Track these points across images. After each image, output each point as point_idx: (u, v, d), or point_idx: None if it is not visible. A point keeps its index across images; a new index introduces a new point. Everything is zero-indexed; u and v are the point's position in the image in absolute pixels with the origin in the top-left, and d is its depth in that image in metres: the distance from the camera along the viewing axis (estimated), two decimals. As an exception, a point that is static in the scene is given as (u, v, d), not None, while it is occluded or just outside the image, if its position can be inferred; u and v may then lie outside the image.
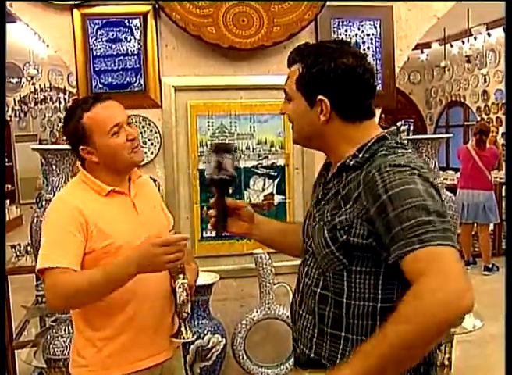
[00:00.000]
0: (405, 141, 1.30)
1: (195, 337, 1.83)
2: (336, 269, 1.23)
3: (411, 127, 3.38)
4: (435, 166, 2.73)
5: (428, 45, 9.32)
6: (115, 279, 1.59)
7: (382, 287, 1.20)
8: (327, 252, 1.24)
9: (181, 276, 1.69)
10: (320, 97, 1.26)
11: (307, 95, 1.28)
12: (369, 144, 1.25)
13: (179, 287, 1.69)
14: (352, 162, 1.25)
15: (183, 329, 1.72)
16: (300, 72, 1.28)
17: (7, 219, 9.48)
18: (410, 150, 1.26)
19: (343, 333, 1.24)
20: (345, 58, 1.25)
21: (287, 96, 1.34)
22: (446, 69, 10.36)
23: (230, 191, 1.55)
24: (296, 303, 1.38)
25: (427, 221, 1.08)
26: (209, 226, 1.58)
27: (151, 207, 1.81)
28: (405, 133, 3.42)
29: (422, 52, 9.72)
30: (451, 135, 3.04)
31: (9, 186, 10.33)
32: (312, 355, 1.30)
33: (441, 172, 7.07)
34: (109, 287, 1.60)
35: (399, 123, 4.31)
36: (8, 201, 9.92)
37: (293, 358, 1.50)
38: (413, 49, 3.00)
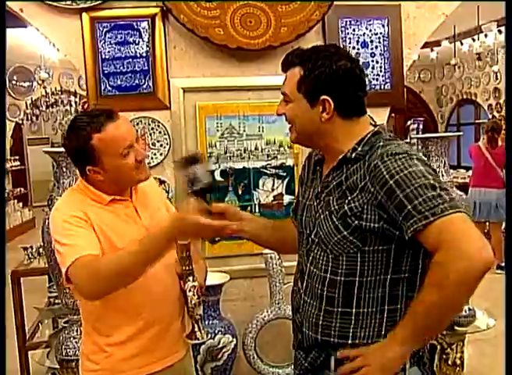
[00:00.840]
0: (394, 135, 1.44)
1: (209, 337, 1.84)
2: (350, 252, 1.33)
3: (421, 126, 3.36)
4: (445, 164, 2.71)
5: (438, 43, 9.26)
6: (149, 249, 1.53)
7: (393, 261, 1.32)
8: (339, 238, 1.34)
9: (191, 278, 1.70)
10: (323, 97, 1.36)
11: (309, 96, 1.38)
12: (366, 138, 1.38)
13: (190, 290, 1.70)
14: (353, 155, 1.37)
15: (196, 330, 1.72)
16: (302, 75, 1.38)
17: (20, 221, 9.59)
18: (401, 142, 1.39)
19: (353, 310, 1.35)
20: (343, 61, 1.37)
21: (286, 97, 1.43)
22: (457, 66, 10.29)
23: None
24: (298, 291, 1.48)
25: (436, 195, 1.21)
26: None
27: (154, 210, 1.79)
28: (415, 132, 3.41)
29: (432, 50, 9.65)
30: (461, 133, 3.02)
31: (22, 189, 10.40)
32: (320, 338, 1.39)
33: (452, 170, 7.03)
34: (143, 262, 1.54)
35: (408, 122, 4.29)
36: (21, 204, 10.02)
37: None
38: (423, 47, 2.99)
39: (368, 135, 1.39)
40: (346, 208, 1.33)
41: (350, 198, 1.33)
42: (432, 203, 1.21)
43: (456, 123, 12.22)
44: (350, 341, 1.36)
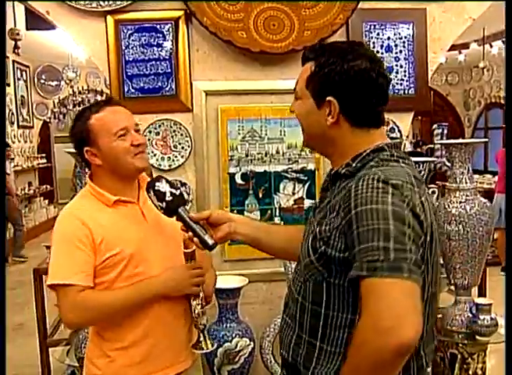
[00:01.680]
0: (403, 154, 1.26)
1: (215, 346, 1.84)
2: (316, 280, 1.21)
3: (445, 131, 3.32)
4: (468, 171, 2.67)
5: (466, 46, 9.14)
6: (145, 299, 1.65)
7: (359, 301, 1.14)
8: (307, 262, 1.23)
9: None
10: (329, 98, 1.23)
11: (315, 95, 1.26)
12: (364, 154, 1.23)
13: (193, 299, 1.71)
14: (343, 171, 1.24)
15: (202, 339, 1.72)
16: (312, 70, 1.26)
17: (45, 218, 9.74)
18: (403, 164, 1.22)
19: (318, 343, 1.23)
20: (359, 61, 1.22)
21: (296, 94, 1.32)
22: (485, 69, 10.14)
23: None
24: (284, 307, 1.39)
25: (382, 248, 1.05)
26: (199, 248, 1.55)
27: (160, 215, 1.77)
28: (439, 137, 3.36)
29: (460, 53, 9.53)
30: (486, 140, 2.97)
31: (48, 186, 10.57)
32: (290, 360, 1.31)
33: (478, 175, 6.94)
34: (136, 307, 1.65)
35: (433, 127, 4.24)
36: (46, 201, 10.18)
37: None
38: (450, 50, 2.95)
39: (368, 150, 1.24)
40: (317, 229, 1.21)
41: (326, 219, 1.21)
42: (373, 256, 1.05)
43: (484, 126, 12.03)
44: (310, 372, 1.25)
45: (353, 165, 1.22)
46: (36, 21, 4.12)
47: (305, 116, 1.30)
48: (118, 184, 1.72)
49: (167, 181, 1.57)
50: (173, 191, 1.54)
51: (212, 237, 1.50)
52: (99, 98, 10.35)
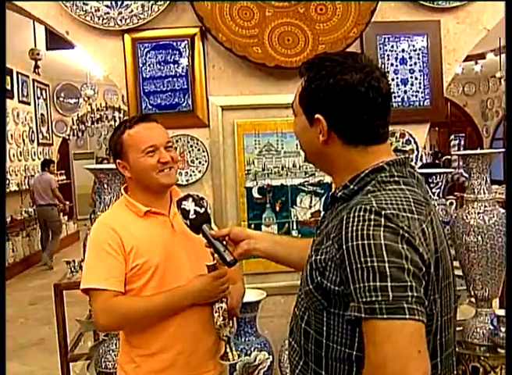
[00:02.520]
0: (406, 173, 1.16)
1: (241, 357, 1.86)
2: (317, 309, 1.14)
3: (462, 142, 3.30)
4: (486, 181, 2.65)
5: (482, 56, 9.11)
6: (172, 307, 1.71)
7: (359, 335, 1.06)
8: (307, 290, 1.15)
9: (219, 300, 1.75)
10: (317, 115, 1.16)
11: (306, 112, 1.19)
12: (362, 175, 1.14)
13: (216, 311, 1.74)
14: (340, 193, 1.17)
15: (228, 351, 1.74)
16: (302, 86, 1.19)
17: (65, 234, 9.83)
18: (403, 185, 1.12)
19: (323, 372, 1.16)
20: (347, 74, 1.12)
21: (293, 110, 1.26)
22: (503, 79, 10.08)
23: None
24: (289, 330, 1.30)
25: (378, 288, 0.97)
26: (218, 264, 1.63)
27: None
28: (456, 148, 3.34)
29: (477, 63, 9.50)
30: (503, 150, 2.95)
31: (68, 202, 10.69)
32: None
33: (497, 186, 6.86)
34: (163, 315, 1.71)
35: (451, 138, 4.23)
36: (66, 217, 10.28)
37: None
38: (466, 60, 2.95)
39: (366, 171, 1.14)
40: (313, 258, 1.14)
41: (323, 247, 1.13)
42: (371, 297, 0.97)
43: (503, 137, 11.92)
44: None
45: (351, 187, 1.16)
46: (56, 41, 4.21)
47: (300, 133, 1.25)
48: (149, 196, 1.79)
49: (193, 199, 1.62)
50: (198, 209, 1.60)
51: (231, 253, 1.52)
52: (117, 114, 10.51)
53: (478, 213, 2.60)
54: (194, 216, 1.59)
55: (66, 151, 11.94)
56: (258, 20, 2.56)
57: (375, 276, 0.98)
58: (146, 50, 2.60)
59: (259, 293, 2.55)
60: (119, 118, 10.47)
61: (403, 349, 0.95)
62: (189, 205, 1.60)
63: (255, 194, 2.69)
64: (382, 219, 1.02)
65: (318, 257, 1.13)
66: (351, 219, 1.04)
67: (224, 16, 2.53)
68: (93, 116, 10.21)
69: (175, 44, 2.62)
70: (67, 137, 10.97)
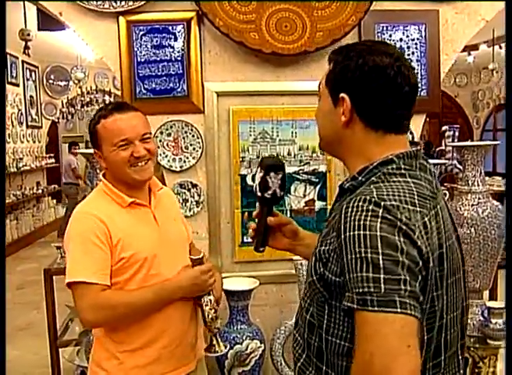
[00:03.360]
0: (413, 165, 1.14)
1: (227, 348, 1.87)
2: (319, 301, 1.14)
3: (457, 133, 3.30)
4: (480, 173, 2.65)
5: (475, 47, 9.10)
6: (161, 302, 1.67)
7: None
8: (311, 281, 1.16)
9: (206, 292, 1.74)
10: (342, 94, 1.15)
11: (331, 92, 1.19)
12: (371, 167, 1.14)
13: (206, 304, 1.73)
14: (348, 185, 1.17)
15: (215, 343, 1.74)
16: (330, 68, 1.20)
17: (53, 218, 9.77)
18: (409, 178, 1.10)
19: (324, 367, 1.16)
20: (377, 56, 1.12)
21: (318, 94, 1.26)
22: (495, 71, 10.09)
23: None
24: (294, 322, 1.31)
25: (371, 279, 0.96)
26: (250, 238, 1.53)
27: (171, 219, 1.82)
28: (450, 139, 3.34)
29: (469, 54, 9.49)
30: (498, 142, 2.95)
31: (56, 186, 10.61)
32: None
33: (487, 178, 6.90)
34: (151, 309, 1.67)
35: (443, 128, 4.22)
36: (54, 201, 10.21)
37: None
38: (460, 51, 2.93)
39: (375, 163, 1.13)
40: (318, 249, 1.14)
41: (328, 237, 1.12)
42: (363, 288, 0.97)
43: (493, 128, 11.97)
44: None
45: (359, 179, 1.15)
46: (47, 22, 4.13)
47: (322, 116, 1.24)
48: (127, 188, 1.72)
49: (281, 179, 1.43)
50: (278, 191, 1.43)
51: (265, 244, 1.48)
52: (107, 98, 10.41)
53: (472, 205, 2.60)
54: (269, 196, 1.42)
55: (55, 134, 11.80)
56: (256, 5, 2.53)
57: (368, 267, 0.97)
58: (141, 33, 2.56)
59: (252, 281, 2.55)
60: (109, 101, 10.38)
61: (392, 343, 0.94)
62: (274, 182, 1.42)
63: (249, 182, 2.66)
64: (381, 210, 1.01)
65: (322, 248, 1.13)
66: (350, 209, 1.04)
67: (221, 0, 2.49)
68: (83, 99, 10.09)
69: (171, 27, 2.57)
70: (56, 120, 10.83)
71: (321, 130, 1.26)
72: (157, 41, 2.58)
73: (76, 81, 9.08)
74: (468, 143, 2.74)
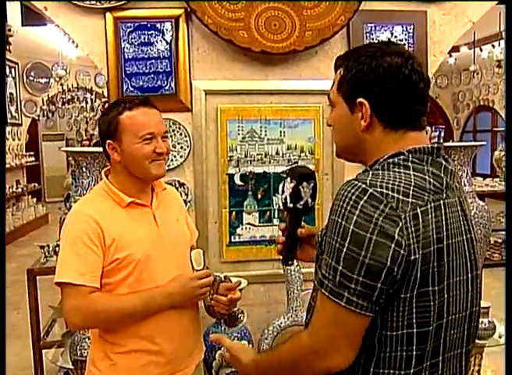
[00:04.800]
0: (424, 159, 1.13)
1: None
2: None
3: (442, 134, 3.31)
4: (467, 174, 2.67)
5: (456, 49, 9.19)
6: (149, 309, 1.62)
7: None
8: (315, 269, 1.19)
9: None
10: (360, 99, 1.15)
11: (347, 99, 1.18)
12: (381, 160, 1.15)
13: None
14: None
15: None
16: (341, 74, 1.19)
17: (33, 217, 9.63)
18: (411, 171, 1.10)
19: None
20: (388, 57, 1.13)
21: (330, 103, 1.25)
22: (475, 73, 10.21)
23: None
24: (304, 324, 1.31)
25: (331, 266, 1.05)
26: (277, 252, 1.47)
27: (173, 220, 1.79)
28: (435, 140, 3.35)
29: (450, 56, 9.59)
30: (484, 143, 2.97)
31: (36, 184, 10.47)
32: None
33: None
34: (140, 316, 1.63)
35: (427, 128, 4.24)
36: (34, 200, 10.07)
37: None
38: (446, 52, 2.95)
39: (385, 156, 1.14)
40: (318, 234, 1.19)
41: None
42: (325, 271, 1.06)
43: (473, 129, 12.13)
44: None
45: (369, 171, 1.15)
46: (31, 17, 4.06)
47: (339, 124, 1.23)
48: (132, 185, 1.69)
49: (313, 188, 1.38)
50: (310, 201, 1.37)
51: (295, 257, 1.46)
52: (89, 96, 10.30)
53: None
54: (301, 207, 1.36)
55: (36, 132, 11.65)
56: (245, 4, 2.51)
57: (333, 256, 1.06)
58: (128, 30, 2.52)
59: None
60: (91, 99, 10.28)
61: (333, 330, 1.06)
62: (306, 193, 1.36)
63: (237, 181, 2.65)
64: (364, 199, 1.04)
65: (321, 232, 1.19)
66: (340, 193, 1.08)
67: (210, -3, 2.47)
68: (64, 96, 9.97)
69: (159, 25, 2.54)
70: (37, 118, 10.69)
71: (339, 137, 1.25)
72: (144, 38, 2.54)
73: (58, 78, 8.95)
74: (455, 144, 2.76)
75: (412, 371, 1.08)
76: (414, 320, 1.06)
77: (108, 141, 1.67)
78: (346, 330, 1.06)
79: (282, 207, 1.43)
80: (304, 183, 1.36)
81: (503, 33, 8.12)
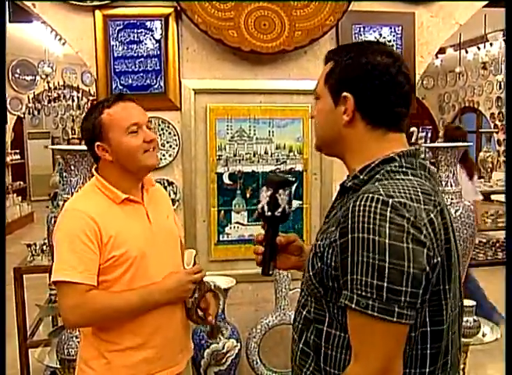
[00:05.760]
0: (416, 163, 1.15)
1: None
2: (317, 296, 1.16)
3: (429, 134, 3.36)
4: (454, 174, 2.70)
5: (442, 51, 9.27)
6: (147, 305, 1.65)
7: None
8: (307, 277, 1.17)
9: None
10: (345, 93, 1.15)
11: (333, 92, 1.19)
12: (373, 165, 1.14)
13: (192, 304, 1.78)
14: (350, 184, 1.17)
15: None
16: (331, 67, 1.21)
17: (18, 216, 9.54)
18: (411, 176, 1.12)
19: (321, 364, 1.16)
20: (378, 56, 1.15)
21: (315, 95, 1.25)
22: (461, 74, 10.30)
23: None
24: (293, 319, 1.31)
25: (374, 285, 1.00)
26: (256, 264, 1.42)
27: (163, 217, 1.80)
28: (422, 140, 3.39)
29: (437, 57, 9.67)
30: (471, 144, 3.01)
31: (21, 183, 10.37)
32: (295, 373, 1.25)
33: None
34: (137, 313, 1.65)
35: (412, 129, 4.28)
36: (19, 198, 9.98)
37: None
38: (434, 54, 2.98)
39: (377, 161, 1.14)
40: (316, 244, 1.15)
41: (327, 232, 1.14)
42: (366, 292, 1.00)
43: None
44: None
45: (361, 177, 1.15)
46: (17, 14, 4.02)
47: (322, 116, 1.23)
48: (126, 182, 1.70)
49: (289, 194, 1.36)
50: (287, 207, 1.35)
51: (275, 267, 1.41)
52: (75, 94, 10.22)
53: (445, 205, 2.65)
54: (279, 214, 1.34)
55: (21, 130, 11.54)
56: (235, 3, 2.51)
57: (374, 274, 1.00)
58: (118, 28, 2.52)
59: (228, 280, 2.54)
60: (77, 97, 10.19)
61: (388, 349, 1.02)
62: (283, 199, 1.34)
63: (226, 180, 2.65)
64: (388, 210, 1.02)
65: (320, 242, 1.14)
66: (357, 208, 1.04)
67: (200, -4, 2.47)
68: (50, 94, 9.88)
69: (148, 23, 2.54)
70: (22, 116, 10.59)
71: (321, 130, 1.25)
72: (134, 37, 2.54)
73: (44, 76, 8.87)
74: (442, 144, 2.79)
75: (428, 370, 1.10)
76: (428, 319, 1.08)
77: (97, 143, 1.67)
78: (399, 345, 1.04)
79: (259, 216, 1.40)
80: (281, 191, 1.34)
81: (488, 36, 8.24)
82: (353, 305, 1.01)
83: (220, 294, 1.95)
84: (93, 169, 1.78)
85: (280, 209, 1.34)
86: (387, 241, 1.00)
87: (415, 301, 1.02)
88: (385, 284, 0.99)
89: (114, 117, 1.65)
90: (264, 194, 1.36)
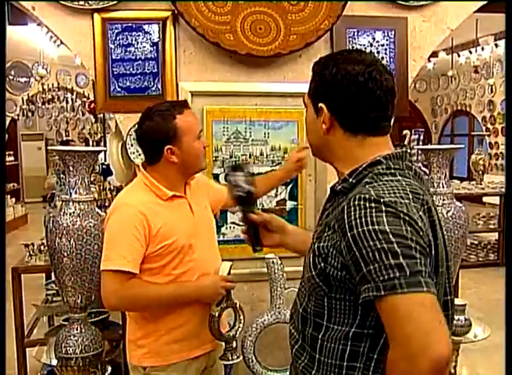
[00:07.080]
0: (403, 165, 1.20)
1: (240, 359, 2.15)
2: (318, 294, 1.20)
3: (422, 137, 3.41)
4: (445, 176, 2.75)
5: (435, 54, 9.36)
6: (179, 299, 1.84)
7: (360, 314, 1.14)
8: (309, 276, 1.21)
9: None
10: (320, 104, 1.23)
11: (313, 102, 1.26)
12: (360, 169, 1.19)
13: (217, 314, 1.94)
14: (339, 187, 1.22)
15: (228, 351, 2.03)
16: (311, 79, 1.28)
17: (12, 217, 9.54)
18: (400, 177, 1.16)
19: (317, 355, 1.21)
20: (349, 65, 1.19)
21: (304, 104, 1.33)
22: (453, 78, 10.41)
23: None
24: (290, 317, 1.37)
25: (394, 265, 1.02)
26: (245, 242, 1.66)
27: (202, 208, 1.99)
28: (415, 143, 3.45)
29: (429, 61, 9.76)
30: (463, 146, 3.06)
31: (15, 184, 10.37)
32: (292, 367, 1.32)
33: (458, 182, 7.13)
34: (170, 303, 1.85)
35: (404, 132, 4.35)
36: (13, 200, 9.98)
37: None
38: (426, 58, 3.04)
39: (364, 165, 1.19)
40: (316, 245, 1.19)
41: (324, 235, 1.18)
42: (388, 274, 1.01)
43: (450, 133, 12.34)
44: None
45: (350, 180, 1.20)
46: (17, 16, 4.05)
47: (308, 125, 1.31)
48: (178, 181, 1.88)
49: (245, 175, 1.66)
50: (248, 187, 1.62)
51: (261, 241, 1.60)
52: (69, 95, 10.24)
53: (437, 206, 2.69)
54: (245, 194, 1.60)
55: (15, 132, 11.54)
56: (231, 7, 2.56)
57: (388, 256, 1.02)
58: (116, 31, 2.55)
59: (224, 279, 2.57)
60: (72, 99, 10.22)
61: (425, 321, 0.99)
62: (239, 180, 1.62)
63: (222, 181, 2.69)
64: (382, 206, 1.06)
65: (321, 244, 1.17)
66: (352, 208, 1.08)
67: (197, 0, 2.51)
68: (44, 96, 9.91)
69: (146, 26, 2.58)
70: (16, 117, 10.60)
71: (309, 138, 1.33)
72: (132, 40, 2.58)
73: (39, 78, 8.89)
74: (434, 146, 2.84)
75: None
76: None
77: (168, 146, 1.81)
78: (435, 313, 1.01)
79: (234, 201, 1.66)
80: (231, 173, 1.62)
81: (480, 41, 8.33)
82: (382, 292, 1.02)
83: (241, 316, 2.11)
84: (140, 167, 1.93)
85: (242, 189, 1.58)
86: (387, 227, 1.04)
87: (431, 271, 1.06)
88: (403, 261, 1.01)
89: (188, 123, 1.82)
90: (227, 181, 1.66)
